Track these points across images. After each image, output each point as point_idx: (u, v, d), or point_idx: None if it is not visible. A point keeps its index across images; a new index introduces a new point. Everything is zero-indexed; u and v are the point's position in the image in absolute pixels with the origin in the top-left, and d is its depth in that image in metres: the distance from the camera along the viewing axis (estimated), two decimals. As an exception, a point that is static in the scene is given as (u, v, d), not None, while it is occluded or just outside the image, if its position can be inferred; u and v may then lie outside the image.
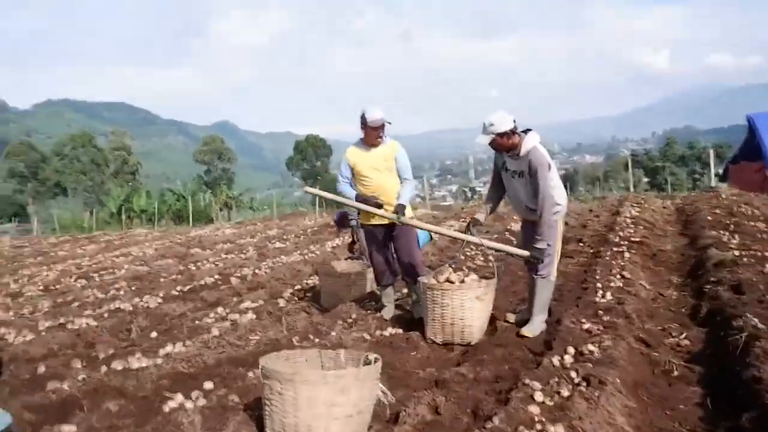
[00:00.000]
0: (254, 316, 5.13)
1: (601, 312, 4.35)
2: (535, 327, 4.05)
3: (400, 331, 4.37)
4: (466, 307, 3.95)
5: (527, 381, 2.79)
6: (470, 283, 4.02)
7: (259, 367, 2.37)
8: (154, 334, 4.74)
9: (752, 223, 7.94)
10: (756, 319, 3.46)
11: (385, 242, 4.70)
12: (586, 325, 3.92)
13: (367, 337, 4.17)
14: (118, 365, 3.87)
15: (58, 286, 8.00)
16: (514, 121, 3.90)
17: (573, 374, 3.03)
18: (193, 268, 8.63)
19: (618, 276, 5.60)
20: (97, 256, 11.69)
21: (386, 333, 4.29)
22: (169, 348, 4.24)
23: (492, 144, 3.96)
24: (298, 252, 9.32)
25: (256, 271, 7.78)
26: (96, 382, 3.54)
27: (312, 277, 6.98)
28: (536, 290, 4.12)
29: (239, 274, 7.58)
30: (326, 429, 2.29)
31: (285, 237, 11.82)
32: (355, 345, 4.02)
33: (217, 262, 9.04)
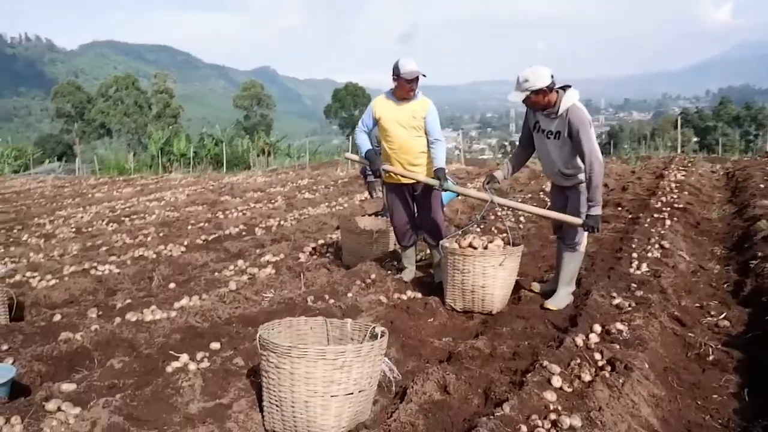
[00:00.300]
0: (273, 271, 5.05)
1: (634, 285, 4.08)
2: (561, 300, 3.82)
3: (419, 295, 4.21)
4: (488, 274, 3.74)
5: (545, 363, 2.60)
6: (494, 250, 3.79)
7: (257, 336, 2.24)
8: (172, 285, 4.71)
9: (810, 193, 7.36)
10: (808, 306, 3.13)
11: (408, 201, 4.48)
12: (617, 300, 3.67)
13: (384, 300, 4.03)
14: (132, 316, 3.86)
15: (90, 229, 8.12)
16: (552, 77, 3.55)
17: (597, 356, 2.81)
18: (221, 216, 8.63)
19: (656, 246, 5.27)
20: (131, 199, 11.84)
21: (404, 296, 4.13)
22: (184, 301, 4.21)
23: (526, 101, 3.63)
24: (326, 204, 9.19)
25: (282, 222, 7.70)
26: (108, 334, 3.52)
27: (337, 232, 6.86)
28: (563, 261, 3.87)
29: (264, 225, 7.52)
30: (324, 407, 2.16)
31: (315, 187, 11.70)
32: (370, 308, 3.89)
33: (245, 211, 9.01)
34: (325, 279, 4.85)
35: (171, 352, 3.07)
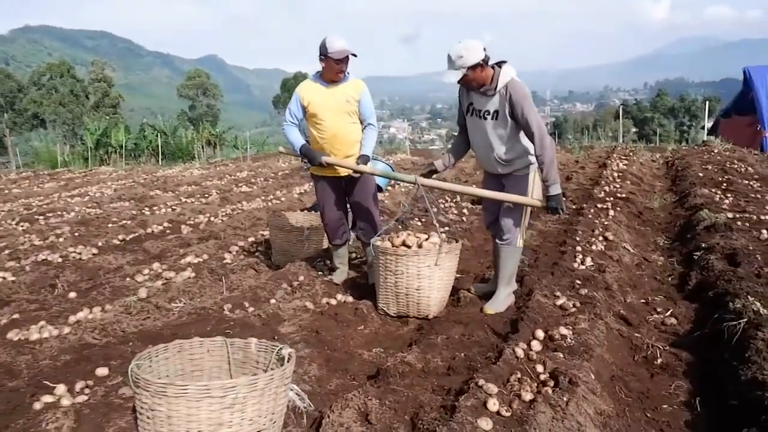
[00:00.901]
0: (193, 275, 4.56)
1: (579, 282, 3.85)
2: (500, 303, 3.51)
3: (351, 299, 3.83)
4: (423, 275, 3.39)
5: (482, 382, 2.27)
6: (429, 248, 3.44)
7: (129, 370, 1.81)
8: (72, 294, 4.15)
9: (746, 182, 7.43)
10: (758, 303, 2.95)
11: (340, 195, 4.08)
12: (561, 300, 3.41)
13: (311, 306, 3.63)
14: (15, 335, 3.31)
15: (-4, 230, 7.32)
16: (485, 50, 3.21)
17: (539, 368, 2.51)
18: (148, 212, 7.99)
19: (600, 237, 5.08)
20: (52, 195, 10.93)
21: (333, 301, 3.74)
22: (83, 313, 3.68)
23: (462, 81, 3.27)
24: (263, 197, 8.68)
25: (212, 218, 7.16)
26: (-21, 358, 2.97)
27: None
28: (501, 260, 3.56)
29: (192, 222, 6.96)
30: (210, 455, 1.75)
31: (254, 180, 11.12)
32: (294, 316, 3.48)
33: (174, 207, 8.39)
34: (250, 282, 4.40)
35: (46, 382, 2.57)
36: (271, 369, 2.11)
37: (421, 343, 2.97)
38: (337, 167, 3.90)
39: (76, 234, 6.69)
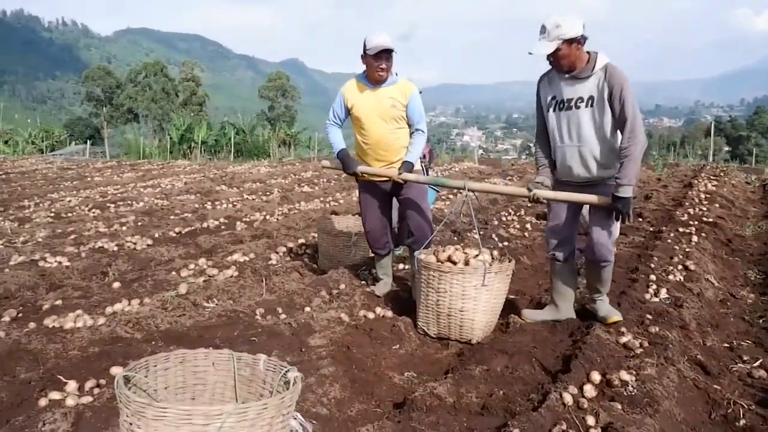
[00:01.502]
0: (236, 273, 4.45)
1: (649, 317, 3.38)
2: (612, 309, 3.29)
3: (390, 313, 3.56)
4: (468, 296, 3.07)
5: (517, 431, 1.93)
6: (476, 266, 3.12)
7: (115, 381, 1.63)
8: (116, 285, 4.14)
9: None
10: None
11: (384, 201, 3.82)
12: (626, 338, 2.98)
13: (346, 318, 3.39)
14: (51, 322, 3.30)
15: (69, 215, 7.63)
16: (584, 27, 2.85)
17: (590, 420, 2.14)
18: (209, 207, 8.09)
19: (680, 267, 4.54)
20: (129, 185, 11.42)
21: (371, 315, 3.48)
22: (121, 305, 3.64)
23: (554, 56, 2.86)
24: (322, 198, 8.58)
25: (268, 217, 7.12)
26: (11, 344, 2.95)
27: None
28: (602, 278, 3.27)
29: (248, 219, 6.94)
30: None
31: (316, 181, 11.11)
32: (327, 328, 3.25)
33: (236, 203, 8.47)
34: (291, 285, 4.23)
35: (59, 376, 2.48)
36: (277, 392, 1.89)
37: (458, 373, 2.65)
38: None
39: (139, 223, 6.85)
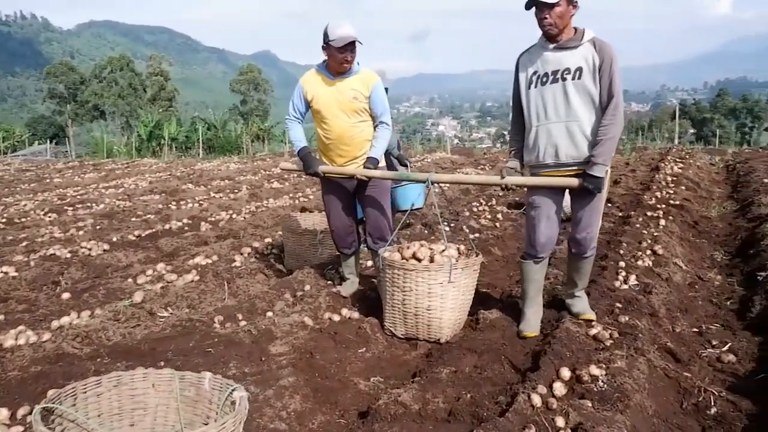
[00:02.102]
0: (197, 278, 4.27)
1: (619, 306, 3.33)
2: (589, 306, 3.19)
3: (356, 315, 3.43)
4: (434, 293, 2.96)
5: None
6: (442, 263, 3.01)
7: (32, 415, 1.47)
8: (66, 295, 3.92)
9: (821, 191, 6.60)
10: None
11: (349, 199, 3.69)
12: (595, 330, 2.91)
13: (310, 322, 3.25)
14: (-9, 340, 3.09)
15: (23, 220, 7.30)
16: None
17: (560, 421, 2.05)
18: (174, 207, 7.83)
19: (648, 251, 4.51)
20: (90, 186, 11.03)
21: (336, 317, 3.35)
22: (69, 317, 3.43)
23: (549, 14, 2.72)
24: (291, 195, 8.39)
25: (234, 215, 6.90)
26: (-56, 365, 2.74)
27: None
28: (583, 270, 3.17)
29: (213, 219, 6.73)
30: None
31: (286, 176, 10.89)
32: (290, 333, 3.12)
33: (202, 201, 8.21)
34: (256, 288, 4.08)
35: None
36: (224, 413, 1.75)
37: (425, 376, 2.54)
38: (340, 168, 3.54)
39: (98, 227, 6.58)
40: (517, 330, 3.10)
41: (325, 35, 3.30)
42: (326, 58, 3.41)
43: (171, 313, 3.46)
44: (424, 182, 3.20)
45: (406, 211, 3.92)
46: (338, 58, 3.30)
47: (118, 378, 1.80)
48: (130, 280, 4.31)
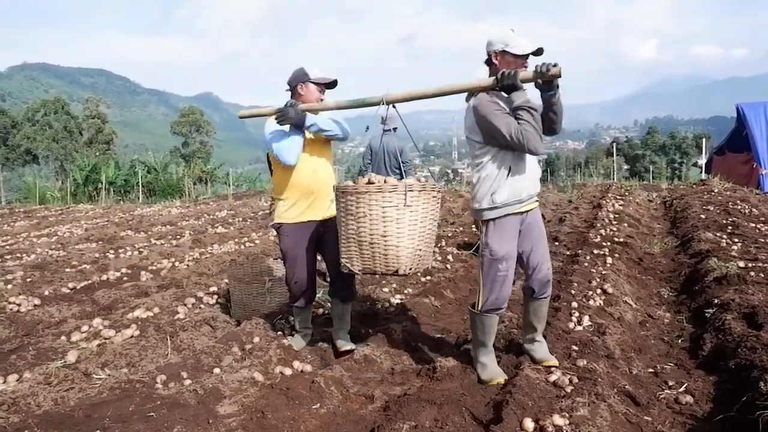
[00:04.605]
0: (137, 333, 3.99)
1: (575, 349, 3.31)
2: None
3: (309, 368, 3.26)
4: (389, 217, 2.74)
5: None
6: (396, 185, 2.80)
7: None
8: (-9, 358, 3.57)
9: (752, 225, 6.96)
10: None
11: (313, 248, 3.53)
12: (555, 376, 2.86)
13: (260, 378, 3.06)
14: None
15: (-56, 275, 6.73)
16: None
17: (527, 480, 1.96)
18: (112, 255, 7.42)
19: (599, 290, 4.57)
20: (20, 234, 10.36)
21: (288, 371, 3.18)
22: (-6, 383, 3.10)
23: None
24: (236, 240, 8.14)
25: (177, 263, 6.60)
26: None
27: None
28: (541, 314, 3.22)
29: (155, 268, 6.40)
30: None
31: (231, 220, 10.60)
32: (238, 391, 2.91)
33: (142, 249, 7.83)
34: (202, 342, 3.84)
35: None
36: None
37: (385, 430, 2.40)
38: (312, 209, 3.44)
39: (28, 280, 6.12)
40: (480, 380, 3.01)
41: (303, 75, 3.40)
42: (297, 97, 3.42)
43: (108, 374, 3.19)
44: (378, 104, 3.04)
45: None
46: (317, 96, 3.41)
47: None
48: (63, 337, 3.98)
